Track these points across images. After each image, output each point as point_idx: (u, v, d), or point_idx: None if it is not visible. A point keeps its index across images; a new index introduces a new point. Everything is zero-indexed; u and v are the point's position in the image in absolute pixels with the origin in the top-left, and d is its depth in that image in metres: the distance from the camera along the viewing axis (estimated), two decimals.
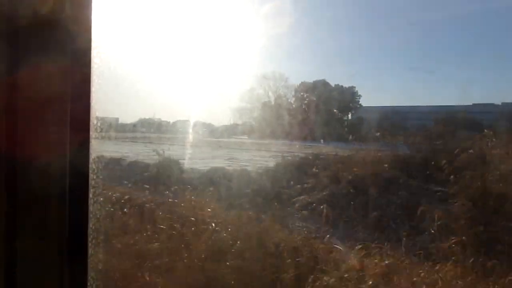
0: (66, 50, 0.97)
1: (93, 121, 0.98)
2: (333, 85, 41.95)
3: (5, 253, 0.86)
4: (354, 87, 43.48)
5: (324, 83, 41.46)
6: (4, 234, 0.87)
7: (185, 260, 4.23)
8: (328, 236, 5.18)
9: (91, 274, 0.96)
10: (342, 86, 42.81)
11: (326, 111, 38.53)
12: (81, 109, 1.00)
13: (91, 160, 0.98)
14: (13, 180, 0.88)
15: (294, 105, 43.52)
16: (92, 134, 0.97)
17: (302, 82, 43.67)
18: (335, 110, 41.09)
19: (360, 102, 43.13)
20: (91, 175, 0.98)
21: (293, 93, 44.45)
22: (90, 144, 0.98)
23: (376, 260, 4.22)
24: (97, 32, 1.07)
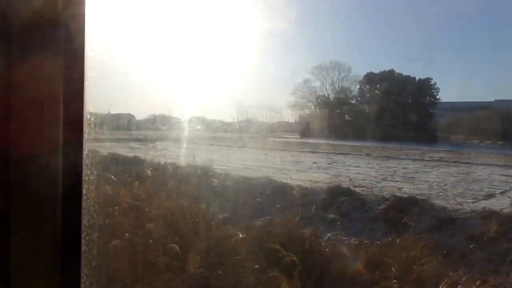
0: (59, 48, 0.97)
1: (86, 118, 0.98)
2: (404, 76, 38.39)
3: None
4: (431, 78, 39.29)
5: (394, 74, 38.37)
6: None
7: None
8: None
9: (84, 272, 0.95)
10: (415, 77, 39.00)
11: (400, 106, 35.56)
12: (75, 108, 0.99)
13: (84, 157, 0.98)
14: (5, 179, 0.90)
15: (360, 99, 40.86)
16: (86, 130, 0.97)
17: (368, 73, 40.80)
18: (410, 106, 37.48)
19: (438, 97, 38.76)
20: (84, 172, 0.99)
21: (357, 86, 41.46)
22: (84, 141, 0.98)
23: None
24: (102, 32, 1.06)
